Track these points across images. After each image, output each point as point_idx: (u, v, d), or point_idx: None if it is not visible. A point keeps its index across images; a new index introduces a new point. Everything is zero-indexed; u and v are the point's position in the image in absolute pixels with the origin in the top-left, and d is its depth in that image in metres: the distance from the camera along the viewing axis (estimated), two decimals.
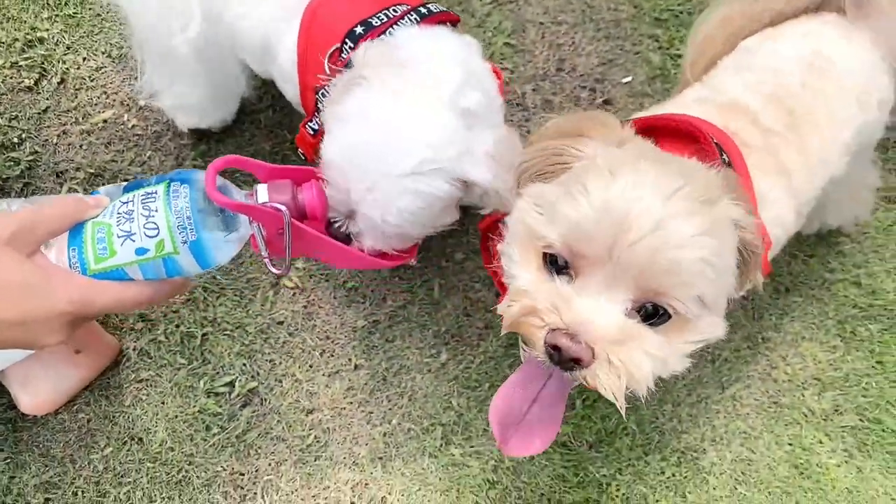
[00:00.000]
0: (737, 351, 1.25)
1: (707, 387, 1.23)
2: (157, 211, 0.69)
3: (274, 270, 0.78)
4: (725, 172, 0.65)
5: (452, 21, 0.99)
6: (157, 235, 0.69)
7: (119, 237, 0.69)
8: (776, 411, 1.22)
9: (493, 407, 0.74)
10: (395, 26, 0.92)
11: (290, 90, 1.02)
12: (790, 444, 1.20)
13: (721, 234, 0.60)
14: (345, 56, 0.92)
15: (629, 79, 1.44)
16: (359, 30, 0.92)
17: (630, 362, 0.60)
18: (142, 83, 1.25)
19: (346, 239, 0.91)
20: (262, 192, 0.74)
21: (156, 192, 0.70)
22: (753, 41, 0.92)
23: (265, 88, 1.40)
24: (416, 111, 0.83)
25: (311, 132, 0.96)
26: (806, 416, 1.22)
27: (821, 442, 1.20)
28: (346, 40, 0.93)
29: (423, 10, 0.94)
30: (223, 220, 0.72)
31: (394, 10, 0.93)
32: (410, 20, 0.93)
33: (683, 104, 0.88)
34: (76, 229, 0.70)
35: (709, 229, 0.58)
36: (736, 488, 1.17)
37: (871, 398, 1.22)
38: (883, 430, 1.21)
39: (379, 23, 0.92)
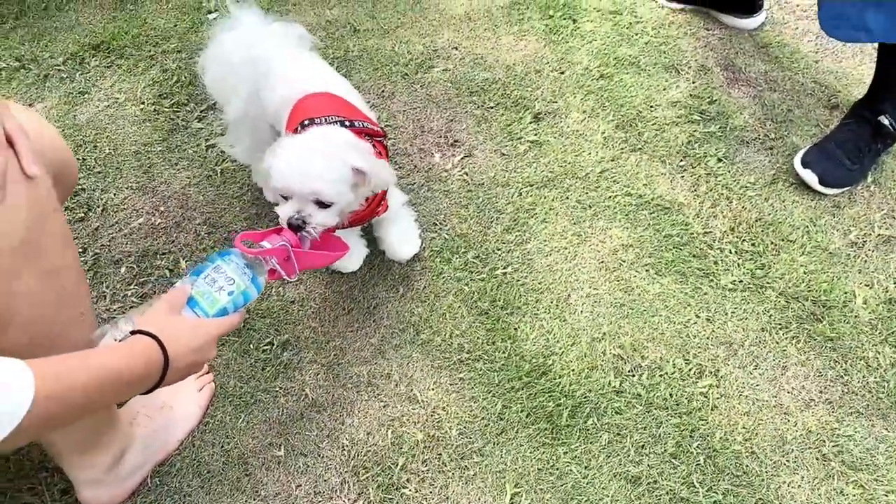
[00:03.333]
0: (562, 247, 2.06)
1: (562, 264, 2.01)
2: (225, 272, 1.29)
3: (289, 279, 1.36)
4: None
5: (374, 134, 1.78)
6: (234, 283, 1.28)
7: (217, 291, 1.26)
8: (605, 270, 2.01)
9: None
10: (323, 123, 1.72)
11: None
12: (617, 282, 1.98)
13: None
14: (300, 129, 1.72)
15: (464, 125, 2.37)
16: (306, 122, 1.72)
17: None
18: (226, 137, 2.06)
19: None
20: (267, 244, 1.33)
21: (219, 265, 1.30)
22: None
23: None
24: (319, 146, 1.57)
25: None
26: (620, 265, 2.01)
27: (634, 276, 1.99)
28: (299, 126, 1.73)
29: (346, 122, 1.73)
30: (254, 268, 1.34)
31: (329, 118, 1.71)
32: (335, 125, 1.72)
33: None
34: (189, 301, 1.21)
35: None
36: (593, 308, 1.92)
37: (656, 246, 2.05)
38: (668, 261, 2.02)
39: (319, 122, 1.71)
